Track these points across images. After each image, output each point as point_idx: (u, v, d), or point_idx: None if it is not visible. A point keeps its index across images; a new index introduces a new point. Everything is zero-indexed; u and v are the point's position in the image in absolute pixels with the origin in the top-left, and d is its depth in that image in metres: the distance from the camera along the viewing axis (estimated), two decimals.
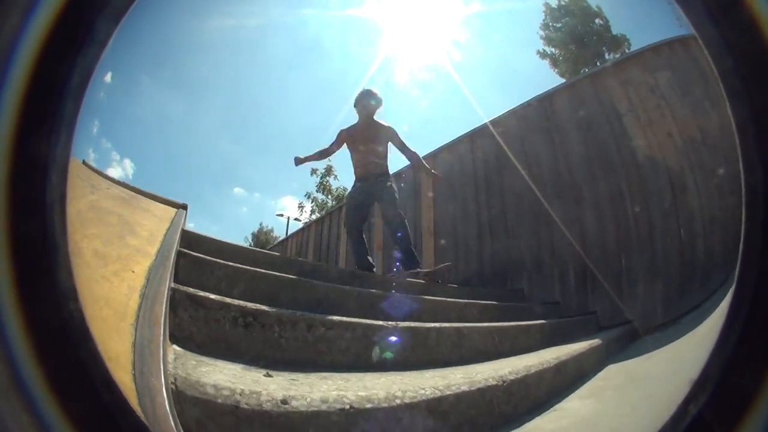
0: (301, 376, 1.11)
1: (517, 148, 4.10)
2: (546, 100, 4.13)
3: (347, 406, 0.89)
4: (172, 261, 1.34)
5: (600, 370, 2.01)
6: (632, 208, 3.47)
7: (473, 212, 4.38)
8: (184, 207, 2.73)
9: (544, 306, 3.41)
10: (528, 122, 4.22)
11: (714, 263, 3.07)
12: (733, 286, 0.46)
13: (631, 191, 3.50)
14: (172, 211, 2.47)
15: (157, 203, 2.58)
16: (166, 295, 1.06)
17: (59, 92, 0.46)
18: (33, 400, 0.44)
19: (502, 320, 2.29)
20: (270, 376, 1.06)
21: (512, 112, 4.38)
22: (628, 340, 2.83)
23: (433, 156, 4.73)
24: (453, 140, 4.89)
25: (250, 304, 1.31)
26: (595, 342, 2.27)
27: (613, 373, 1.99)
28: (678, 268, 3.21)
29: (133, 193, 2.43)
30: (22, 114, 0.44)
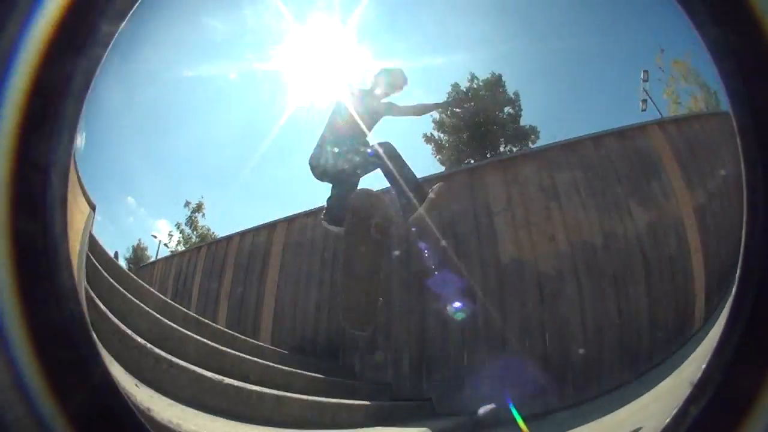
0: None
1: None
2: None
3: None
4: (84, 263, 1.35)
5: None
6: (484, 306, 3.38)
7: (316, 282, 4.30)
8: (93, 208, 2.61)
9: (375, 386, 3.33)
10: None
11: (571, 379, 3.10)
12: (735, 288, 0.46)
13: (488, 290, 3.43)
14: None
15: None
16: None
17: (61, 94, 0.46)
18: (33, 400, 0.44)
19: (328, 395, 2.25)
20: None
21: None
22: None
23: (290, 220, 4.62)
24: (313, 208, 4.79)
25: None
26: (423, 429, 2.24)
27: None
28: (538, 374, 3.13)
29: None
30: (24, 115, 0.44)
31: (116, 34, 0.49)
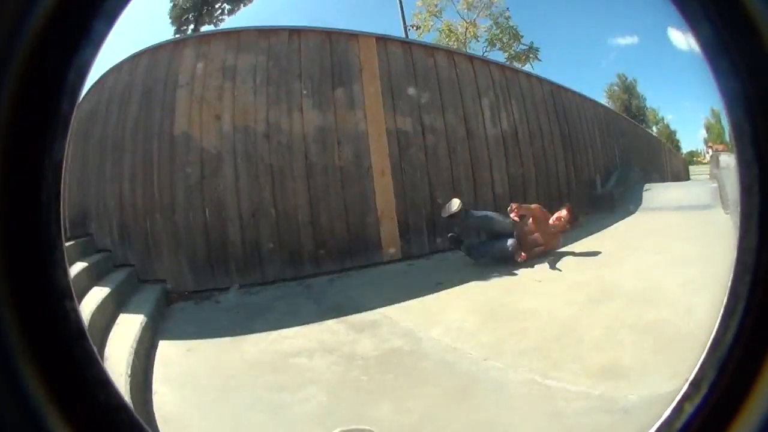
0: None
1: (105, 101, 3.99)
2: (135, 59, 3.95)
3: None
4: None
5: None
6: (158, 176, 3.49)
7: (78, 154, 4.39)
8: None
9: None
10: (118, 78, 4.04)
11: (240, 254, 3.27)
12: (729, 285, 0.46)
13: (161, 161, 3.52)
14: None
15: None
16: None
17: (55, 91, 0.46)
18: (29, 400, 0.44)
19: None
20: None
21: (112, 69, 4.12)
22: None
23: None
24: None
25: None
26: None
27: None
28: (204, 244, 3.32)
29: None
30: (17, 113, 0.44)
31: (110, 32, 0.48)
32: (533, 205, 3.58)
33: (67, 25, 0.46)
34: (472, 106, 4.21)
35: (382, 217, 3.50)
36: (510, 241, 3.33)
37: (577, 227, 3.66)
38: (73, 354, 0.46)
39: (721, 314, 0.46)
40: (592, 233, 3.87)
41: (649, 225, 4.59)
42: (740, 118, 0.46)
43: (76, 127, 4.26)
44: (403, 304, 2.83)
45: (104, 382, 0.48)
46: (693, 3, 0.47)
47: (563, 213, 3.51)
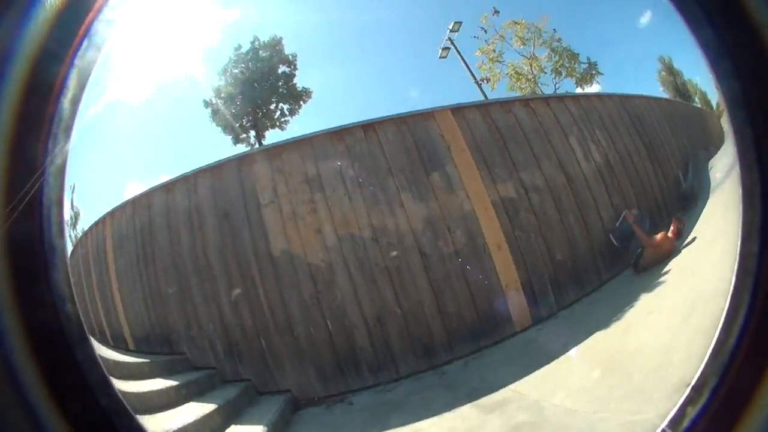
0: None
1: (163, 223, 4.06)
2: (191, 179, 3.90)
3: None
4: None
5: None
6: (266, 297, 3.56)
7: (138, 275, 4.40)
8: None
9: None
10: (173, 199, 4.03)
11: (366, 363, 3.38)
12: (731, 290, 0.46)
13: (264, 282, 3.57)
14: None
15: None
16: None
17: (57, 95, 0.46)
18: (31, 401, 0.44)
19: None
20: None
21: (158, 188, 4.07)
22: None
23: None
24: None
25: None
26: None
27: None
28: (330, 353, 3.44)
29: None
30: (20, 116, 0.44)
31: (111, 36, 0.49)
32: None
33: (69, 30, 0.46)
34: (563, 149, 4.18)
35: (507, 289, 3.39)
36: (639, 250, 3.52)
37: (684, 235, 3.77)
38: (75, 357, 0.46)
39: (723, 319, 0.45)
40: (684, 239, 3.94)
41: (719, 209, 4.71)
42: (742, 121, 0.46)
43: (118, 243, 4.07)
44: (533, 374, 2.88)
45: (105, 386, 0.48)
46: (693, 5, 0.47)
47: (672, 229, 3.66)
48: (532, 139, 3.99)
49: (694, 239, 3.57)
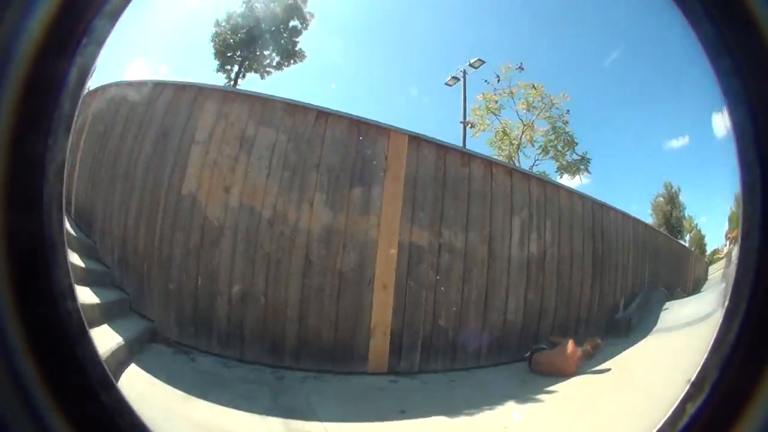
0: None
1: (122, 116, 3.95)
2: (159, 87, 3.88)
3: None
4: None
5: None
6: (161, 230, 3.60)
7: (93, 152, 4.35)
8: None
9: None
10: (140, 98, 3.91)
11: None
12: (731, 287, 0.46)
13: (165, 215, 3.62)
14: None
15: None
16: None
17: (57, 91, 0.46)
18: (31, 399, 0.44)
19: None
20: None
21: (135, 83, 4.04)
22: None
23: None
24: None
25: None
26: None
27: None
28: (191, 308, 3.46)
29: None
30: (20, 113, 0.44)
31: (111, 32, 0.48)
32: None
33: (69, 25, 0.46)
34: (500, 226, 3.94)
35: (374, 330, 3.22)
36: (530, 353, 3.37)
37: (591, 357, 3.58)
38: (75, 354, 0.46)
39: (723, 315, 0.45)
40: (595, 365, 3.68)
41: (652, 351, 4.43)
42: (742, 118, 0.46)
43: (95, 117, 4.18)
44: (353, 424, 2.76)
45: (106, 383, 0.48)
46: (694, 3, 0.47)
47: (586, 347, 3.48)
48: (474, 200, 3.75)
49: (607, 370, 3.35)
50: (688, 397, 0.48)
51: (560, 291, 4.33)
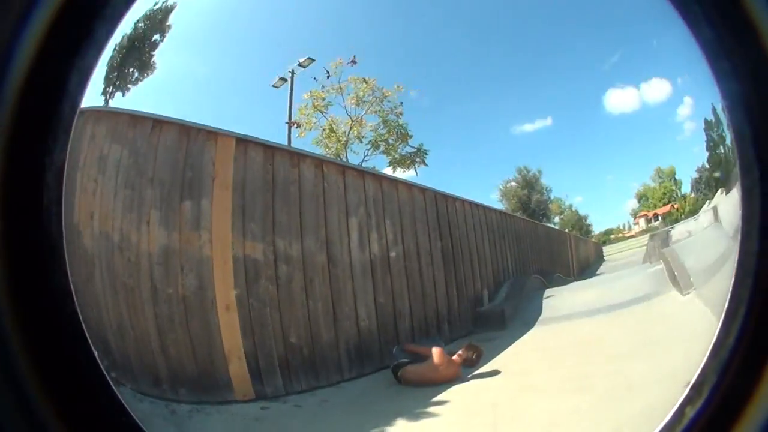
0: None
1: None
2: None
3: None
4: None
5: None
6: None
7: None
8: None
9: None
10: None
11: None
12: (730, 290, 0.46)
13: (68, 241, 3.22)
14: None
15: None
16: None
17: (56, 94, 0.46)
18: (28, 400, 0.44)
19: None
20: None
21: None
22: None
23: None
24: None
25: None
26: None
27: None
28: None
29: None
30: (19, 116, 0.44)
31: (111, 36, 0.49)
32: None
33: (69, 28, 0.46)
34: (337, 229, 3.65)
35: (229, 355, 2.95)
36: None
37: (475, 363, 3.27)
38: (74, 356, 0.46)
39: (722, 318, 0.45)
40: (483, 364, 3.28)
41: (549, 341, 3.90)
42: (741, 120, 0.46)
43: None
44: None
45: (104, 385, 0.48)
46: (693, 5, 0.47)
47: (459, 353, 3.22)
48: (306, 204, 3.42)
49: (494, 372, 3.12)
50: (687, 401, 0.48)
51: (412, 290, 4.10)
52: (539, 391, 2.79)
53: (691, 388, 0.47)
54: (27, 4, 0.45)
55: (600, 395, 2.46)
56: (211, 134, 3.03)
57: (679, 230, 5.69)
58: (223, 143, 3.08)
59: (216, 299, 2.86)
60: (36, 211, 0.45)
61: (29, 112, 0.44)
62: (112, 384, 0.48)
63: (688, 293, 4.12)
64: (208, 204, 2.94)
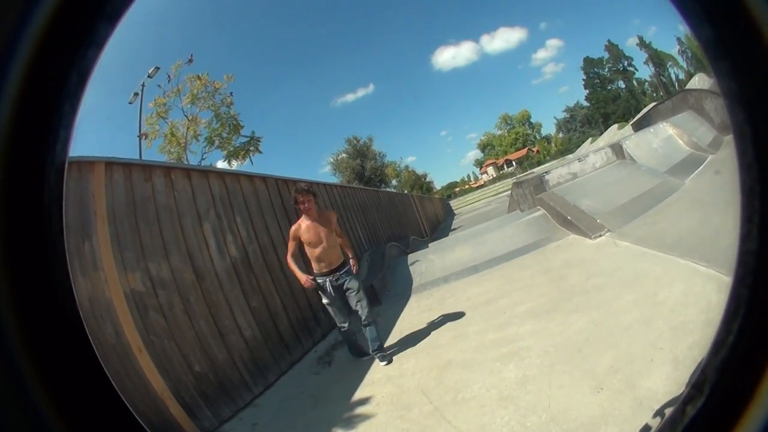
0: None
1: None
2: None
3: None
4: None
5: None
6: None
7: None
8: None
9: None
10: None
11: None
12: (730, 288, 0.46)
13: None
14: None
15: None
16: None
17: (57, 93, 0.46)
18: (30, 400, 0.44)
19: None
20: None
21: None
22: None
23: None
24: None
25: None
26: None
27: None
28: None
29: None
30: (20, 115, 0.44)
31: (113, 33, 0.49)
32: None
33: (69, 27, 0.46)
34: (195, 239, 3.38)
35: (163, 397, 2.71)
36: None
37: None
38: (75, 355, 0.46)
39: (722, 316, 0.45)
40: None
41: (426, 314, 3.75)
42: (741, 120, 0.46)
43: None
44: None
45: (106, 385, 0.48)
46: (694, 4, 0.47)
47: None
48: (163, 219, 3.17)
49: (404, 353, 3.15)
50: (687, 400, 0.48)
51: (278, 284, 3.95)
52: (462, 366, 2.71)
53: (692, 387, 0.47)
54: (27, 3, 0.45)
55: (539, 364, 2.37)
56: (90, 165, 2.79)
57: (558, 173, 5.47)
58: (97, 171, 2.82)
59: (129, 343, 2.65)
60: (36, 211, 0.45)
61: (30, 111, 0.44)
62: (114, 384, 0.47)
63: (600, 236, 4.00)
64: (96, 240, 2.71)
